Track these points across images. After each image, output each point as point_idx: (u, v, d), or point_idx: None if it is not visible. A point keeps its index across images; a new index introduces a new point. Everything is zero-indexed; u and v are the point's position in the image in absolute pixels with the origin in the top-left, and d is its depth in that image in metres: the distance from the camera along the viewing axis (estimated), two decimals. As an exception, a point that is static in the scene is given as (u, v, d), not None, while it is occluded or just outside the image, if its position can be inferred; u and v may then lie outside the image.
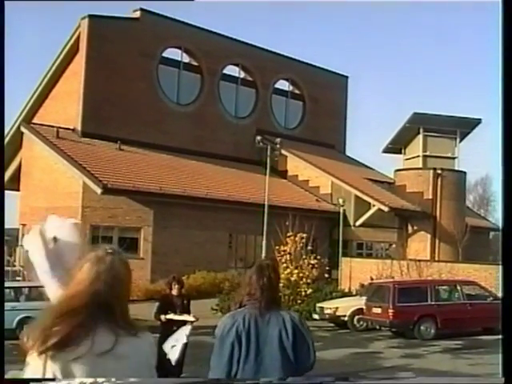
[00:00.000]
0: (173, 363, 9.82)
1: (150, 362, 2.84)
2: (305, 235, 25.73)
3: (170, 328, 10.31)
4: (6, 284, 22.82)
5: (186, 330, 10.13)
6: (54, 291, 3.30)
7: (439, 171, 37.48)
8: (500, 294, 15.25)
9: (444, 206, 37.05)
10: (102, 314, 2.70)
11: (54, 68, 35.37)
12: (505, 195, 3.68)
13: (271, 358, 4.30)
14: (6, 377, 3.12)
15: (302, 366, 4.33)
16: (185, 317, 10.50)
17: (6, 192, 38.48)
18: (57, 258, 3.34)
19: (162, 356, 9.93)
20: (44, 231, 3.31)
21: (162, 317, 10.56)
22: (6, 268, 29.62)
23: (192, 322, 10.46)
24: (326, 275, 29.19)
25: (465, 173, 39.52)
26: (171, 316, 10.54)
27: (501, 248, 3.67)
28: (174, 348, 9.88)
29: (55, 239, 3.33)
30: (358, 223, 36.40)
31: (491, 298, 20.25)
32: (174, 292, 10.92)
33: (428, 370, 13.82)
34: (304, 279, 25.30)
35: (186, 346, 10.44)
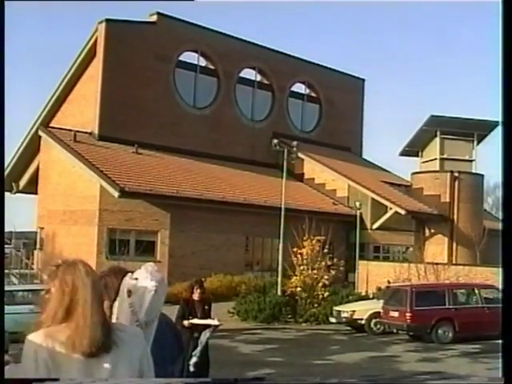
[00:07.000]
0: (191, 368, 9.81)
1: None
2: (321, 238, 25.69)
3: (192, 333, 10.23)
4: (25, 287, 23.00)
5: (206, 334, 10.12)
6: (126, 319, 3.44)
7: (456, 174, 37.27)
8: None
9: (461, 208, 36.85)
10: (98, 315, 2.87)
11: (71, 72, 35.56)
12: (505, 195, 3.65)
13: None
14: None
15: None
16: (209, 321, 10.30)
17: (25, 195, 38.83)
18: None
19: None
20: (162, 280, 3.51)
21: (186, 322, 10.17)
22: (25, 271, 29.85)
23: (217, 327, 10.38)
24: (343, 278, 29.14)
25: (482, 175, 39.29)
26: (195, 321, 10.22)
27: (501, 249, 3.63)
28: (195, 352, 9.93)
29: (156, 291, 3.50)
30: (374, 226, 36.28)
31: (509, 302, 20.07)
32: (196, 296, 10.53)
33: (445, 375, 13.71)
34: (321, 282, 25.27)
35: (207, 348, 10.42)
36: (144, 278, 3.45)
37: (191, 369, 9.94)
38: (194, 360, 9.98)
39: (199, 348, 10.05)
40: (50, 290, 2.92)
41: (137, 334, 2.99)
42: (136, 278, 3.40)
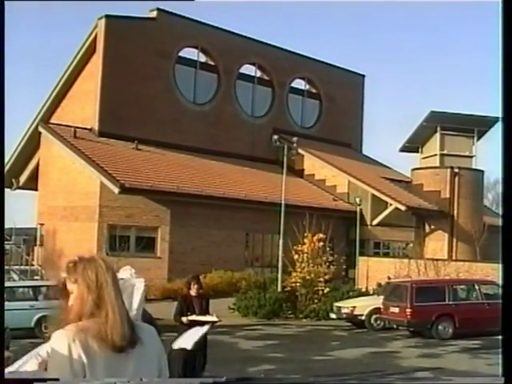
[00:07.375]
0: (180, 347, 9.59)
1: None
2: (322, 235, 25.70)
3: (190, 329, 10.16)
4: (25, 283, 23.01)
5: (204, 329, 10.04)
6: None
7: (456, 170, 37.28)
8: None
9: (461, 204, 36.86)
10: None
11: (71, 68, 35.50)
12: (505, 191, 3.64)
13: None
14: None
15: None
16: (208, 317, 10.20)
17: (25, 192, 38.81)
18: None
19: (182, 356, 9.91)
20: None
21: (184, 319, 10.08)
22: (25, 267, 29.87)
23: (215, 323, 10.32)
24: (343, 274, 29.15)
25: (482, 171, 39.31)
26: (194, 317, 10.11)
27: (501, 245, 3.62)
28: (188, 338, 9.68)
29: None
30: (374, 222, 36.29)
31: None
32: (193, 292, 10.45)
33: (446, 370, 13.74)
34: (321, 278, 25.29)
35: (206, 345, 10.38)
36: (129, 278, 3.53)
37: (174, 347, 9.57)
38: (178, 342, 9.65)
39: (196, 338, 9.72)
40: (67, 287, 2.92)
41: (154, 332, 3.01)
42: (122, 279, 3.45)
